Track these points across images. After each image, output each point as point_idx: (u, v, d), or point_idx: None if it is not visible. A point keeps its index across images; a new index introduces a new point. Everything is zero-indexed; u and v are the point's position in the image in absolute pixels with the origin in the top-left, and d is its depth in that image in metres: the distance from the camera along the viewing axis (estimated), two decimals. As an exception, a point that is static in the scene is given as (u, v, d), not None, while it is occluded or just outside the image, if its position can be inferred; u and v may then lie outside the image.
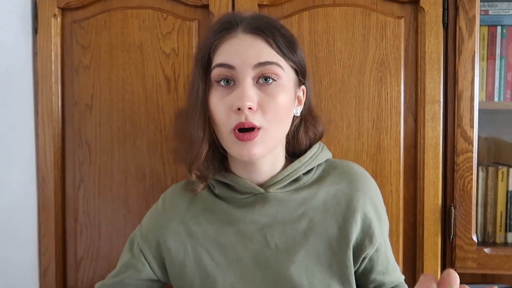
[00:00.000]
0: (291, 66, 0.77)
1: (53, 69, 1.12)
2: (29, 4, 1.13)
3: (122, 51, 1.10)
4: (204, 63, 0.76)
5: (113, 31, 1.11)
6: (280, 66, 0.74)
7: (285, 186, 0.80)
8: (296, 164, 0.81)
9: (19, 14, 1.13)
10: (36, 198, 1.15)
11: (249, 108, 0.71)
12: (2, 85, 1.15)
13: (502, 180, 1.11)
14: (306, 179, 0.81)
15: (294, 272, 0.76)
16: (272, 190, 0.79)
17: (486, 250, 1.04)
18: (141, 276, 0.84)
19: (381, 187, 1.04)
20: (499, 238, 1.12)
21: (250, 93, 0.71)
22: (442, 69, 1.03)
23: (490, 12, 1.13)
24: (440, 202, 1.04)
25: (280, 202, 0.79)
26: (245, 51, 0.73)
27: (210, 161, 0.80)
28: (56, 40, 1.13)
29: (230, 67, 0.72)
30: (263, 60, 0.72)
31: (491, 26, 1.13)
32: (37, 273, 1.16)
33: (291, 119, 0.79)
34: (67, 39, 1.14)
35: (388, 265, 0.82)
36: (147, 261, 0.84)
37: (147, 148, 1.10)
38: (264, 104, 0.72)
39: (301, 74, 0.79)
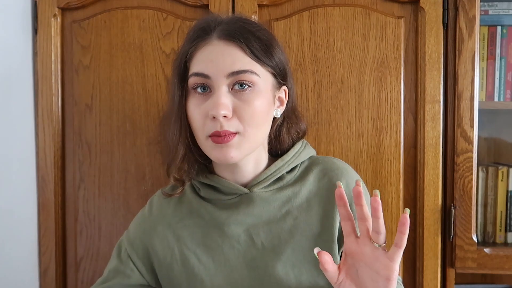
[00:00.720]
0: (268, 71, 0.76)
1: (53, 69, 1.12)
2: (29, 4, 1.13)
3: (122, 51, 1.10)
4: (181, 71, 0.77)
5: (113, 31, 1.11)
6: (255, 73, 0.74)
7: (269, 185, 0.81)
8: (279, 163, 0.81)
9: (19, 14, 1.13)
10: (36, 198, 1.15)
11: (224, 116, 0.71)
12: (2, 85, 1.15)
13: (502, 180, 1.11)
14: (290, 178, 0.82)
15: (281, 271, 0.77)
16: (256, 189, 0.80)
17: (486, 250, 1.04)
18: (131, 282, 0.83)
19: (381, 187, 1.04)
20: (499, 238, 1.12)
21: (224, 101, 0.71)
22: (442, 69, 1.03)
23: (490, 12, 1.13)
24: (440, 202, 1.04)
25: (264, 202, 0.79)
26: (219, 60, 0.73)
27: (191, 164, 0.81)
28: (56, 40, 1.13)
29: (205, 76, 0.73)
30: (236, 69, 0.72)
31: (491, 26, 1.13)
32: (37, 273, 1.16)
33: (270, 122, 0.79)
34: (67, 39, 1.14)
35: None
36: (135, 266, 0.84)
37: (147, 148, 1.10)
38: (239, 110, 0.73)
39: (280, 77, 0.79)
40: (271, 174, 0.80)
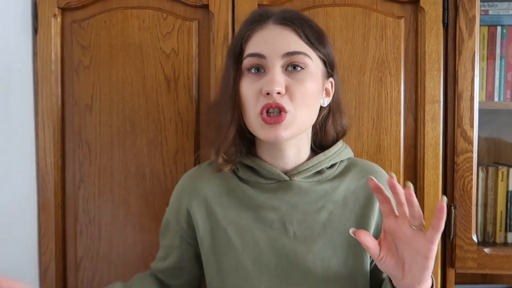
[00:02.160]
0: (319, 57, 0.79)
1: (53, 69, 1.12)
2: (29, 4, 1.13)
3: (122, 51, 1.10)
4: (236, 53, 0.80)
5: (113, 31, 1.11)
6: (308, 56, 0.77)
7: (308, 177, 0.82)
8: (321, 157, 0.83)
9: (19, 14, 1.13)
10: (36, 198, 1.15)
11: (278, 93, 0.74)
12: (2, 85, 1.14)
13: (502, 180, 1.11)
14: (329, 173, 0.84)
15: (309, 262, 0.78)
16: (296, 178, 0.82)
17: (486, 250, 1.04)
18: (189, 253, 0.89)
19: (381, 187, 1.04)
20: (499, 238, 1.12)
21: (278, 78, 0.74)
22: (442, 69, 1.03)
23: (490, 12, 1.13)
24: (440, 202, 1.04)
25: (302, 192, 0.81)
26: (274, 41, 0.76)
27: (238, 146, 0.82)
28: (56, 40, 1.13)
29: (260, 56, 0.76)
30: (291, 49, 0.75)
31: (491, 26, 1.13)
32: (37, 273, 1.16)
33: (318, 108, 0.82)
34: (67, 39, 1.14)
35: None
36: (187, 240, 0.88)
37: (147, 148, 1.10)
38: (292, 89, 0.75)
39: (329, 66, 0.81)
40: (312, 166, 0.82)
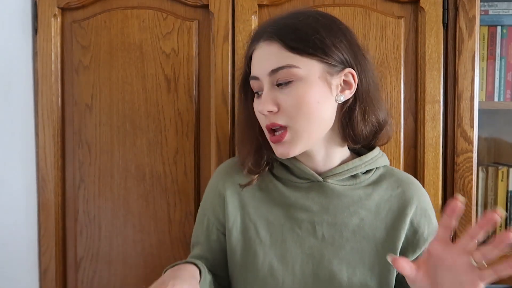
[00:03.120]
0: (312, 59, 0.74)
1: (53, 69, 1.12)
2: (29, 4, 1.13)
3: (122, 51, 1.10)
4: (247, 73, 0.82)
5: (113, 31, 1.11)
6: (294, 66, 0.74)
7: (342, 180, 0.82)
8: (357, 161, 0.82)
9: (19, 14, 1.13)
10: (36, 198, 1.15)
11: (270, 111, 0.76)
12: (2, 85, 1.15)
13: (502, 180, 1.11)
14: (364, 179, 0.83)
15: (335, 266, 0.78)
16: (330, 180, 0.82)
17: (486, 250, 1.04)
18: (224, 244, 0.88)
19: (381, 187, 1.04)
20: (499, 238, 1.12)
21: (266, 98, 0.76)
22: (442, 69, 1.03)
23: (490, 12, 1.13)
24: (440, 202, 1.04)
25: (335, 195, 0.81)
26: (262, 61, 0.77)
27: (265, 156, 0.84)
28: (56, 40, 1.13)
29: (255, 78, 0.79)
30: (274, 67, 0.75)
31: (491, 26, 1.13)
32: (37, 273, 1.16)
33: (328, 111, 0.77)
34: (67, 39, 1.14)
35: None
36: (221, 231, 0.88)
37: (147, 148, 1.10)
38: (284, 104, 0.75)
39: (334, 61, 0.76)
40: (347, 169, 0.82)
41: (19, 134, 1.15)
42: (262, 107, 0.76)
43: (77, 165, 1.14)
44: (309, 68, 0.75)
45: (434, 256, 0.64)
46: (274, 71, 0.75)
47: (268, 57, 0.76)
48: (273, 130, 0.77)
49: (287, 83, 0.75)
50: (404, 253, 0.80)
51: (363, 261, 0.79)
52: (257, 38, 0.79)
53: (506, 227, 1.12)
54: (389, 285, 0.80)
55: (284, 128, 0.76)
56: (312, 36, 0.75)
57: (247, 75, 0.82)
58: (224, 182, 0.87)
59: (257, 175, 0.83)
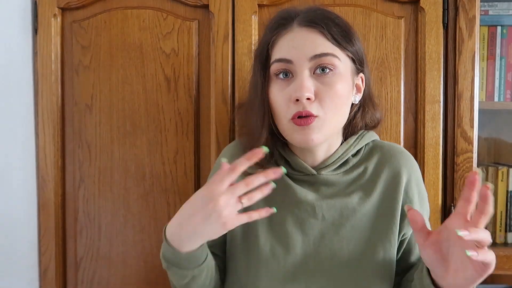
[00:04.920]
0: (348, 56, 0.78)
1: (53, 69, 1.12)
2: (29, 4, 1.13)
3: (122, 51, 1.10)
4: (263, 58, 0.79)
5: (113, 31, 1.11)
6: (336, 57, 0.75)
7: (335, 169, 0.83)
8: (345, 146, 0.84)
9: (19, 14, 1.13)
10: (36, 198, 1.15)
11: (308, 99, 0.73)
12: (2, 85, 1.15)
13: (502, 180, 1.11)
14: (355, 160, 0.84)
15: (336, 244, 0.79)
16: (323, 172, 0.83)
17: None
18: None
19: (381, 187, 1.04)
20: (499, 238, 1.12)
21: (307, 84, 0.74)
22: (442, 69, 1.03)
23: (490, 12, 1.13)
24: (440, 202, 1.04)
25: (330, 184, 0.82)
26: (301, 45, 0.75)
27: (270, 149, 0.82)
28: (56, 40, 1.13)
29: (287, 61, 0.75)
30: (318, 52, 0.74)
31: (491, 26, 1.13)
32: (37, 273, 1.16)
33: (349, 107, 0.81)
34: (67, 39, 1.14)
35: None
36: None
37: (147, 148, 1.10)
38: (321, 93, 0.74)
39: (358, 63, 0.80)
40: (338, 157, 0.83)
41: (19, 134, 1.15)
42: (302, 93, 0.73)
43: (77, 165, 1.14)
44: (346, 63, 0.77)
45: (449, 229, 0.64)
46: (318, 56, 0.74)
47: (310, 42, 0.75)
48: (299, 117, 0.75)
49: (327, 72, 0.75)
50: (401, 224, 0.81)
51: (363, 237, 0.80)
52: (287, 22, 0.77)
53: (506, 227, 1.12)
54: (392, 260, 0.80)
55: (314, 117, 0.75)
56: (349, 35, 0.78)
57: (266, 58, 0.79)
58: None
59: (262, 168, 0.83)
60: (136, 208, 1.11)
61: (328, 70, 0.75)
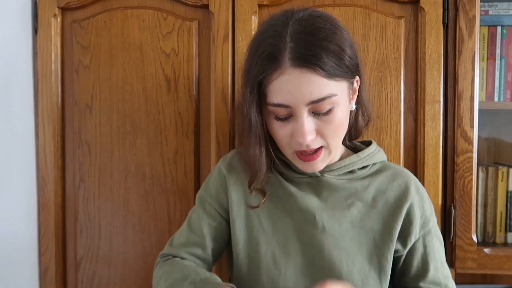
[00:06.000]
0: (343, 80, 0.74)
1: (53, 69, 1.12)
2: (29, 4, 1.13)
3: (122, 51, 1.10)
4: (255, 93, 0.75)
5: (113, 31, 1.11)
6: (334, 95, 0.73)
7: (339, 175, 0.84)
8: (354, 158, 0.84)
9: (19, 14, 1.13)
10: (36, 198, 1.15)
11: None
12: (2, 85, 1.14)
13: (502, 180, 1.11)
14: (361, 173, 0.85)
15: (335, 257, 0.80)
16: (326, 175, 0.83)
17: (486, 250, 1.04)
18: (221, 228, 0.88)
19: (381, 187, 1.04)
20: (499, 238, 1.12)
21: (308, 128, 0.73)
22: (442, 69, 1.03)
23: (490, 12, 1.13)
24: (440, 202, 1.04)
25: (333, 188, 0.83)
26: (297, 89, 0.71)
27: (268, 164, 0.82)
28: (56, 40, 1.13)
29: (286, 106, 0.73)
30: (315, 98, 0.71)
31: (491, 26, 1.13)
32: (37, 273, 1.16)
33: (348, 122, 0.81)
34: (67, 39, 1.14)
35: (427, 273, 0.83)
36: (221, 215, 0.88)
37: (147, 148, 1.10)
38: (322, 129, 0.75)
39: (353, 74, 0.77)
40: (345, 165, 0.83)
41: (19, 134, 1.15)
42: (304, 138, 0.73)
43: (77, 165, 1.14)
44: (342, 90, 0.75)
45: None
46: (315, 102, 0.72)
47: (306, 86, 0.71)
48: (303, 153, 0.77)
49: (326, 112, 0.74)
50: (396, 242, 0.82)
51: (361, 252, 0.81)
52: (277, 60, 0.71)
53: (506, 227, 1.12)
54: (386, 275, 0.82)
55: (319, 148, 0.76)
56: (342, 55, 0.73)
57: (259, 95, 0.75)
58: (229, 175, 0.87)
59: (265, 196, 0.83)
60: (136, 208, 1.11)
61: (327, 111, 0.73)
